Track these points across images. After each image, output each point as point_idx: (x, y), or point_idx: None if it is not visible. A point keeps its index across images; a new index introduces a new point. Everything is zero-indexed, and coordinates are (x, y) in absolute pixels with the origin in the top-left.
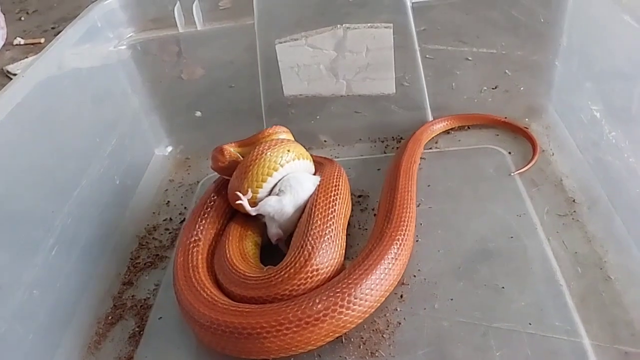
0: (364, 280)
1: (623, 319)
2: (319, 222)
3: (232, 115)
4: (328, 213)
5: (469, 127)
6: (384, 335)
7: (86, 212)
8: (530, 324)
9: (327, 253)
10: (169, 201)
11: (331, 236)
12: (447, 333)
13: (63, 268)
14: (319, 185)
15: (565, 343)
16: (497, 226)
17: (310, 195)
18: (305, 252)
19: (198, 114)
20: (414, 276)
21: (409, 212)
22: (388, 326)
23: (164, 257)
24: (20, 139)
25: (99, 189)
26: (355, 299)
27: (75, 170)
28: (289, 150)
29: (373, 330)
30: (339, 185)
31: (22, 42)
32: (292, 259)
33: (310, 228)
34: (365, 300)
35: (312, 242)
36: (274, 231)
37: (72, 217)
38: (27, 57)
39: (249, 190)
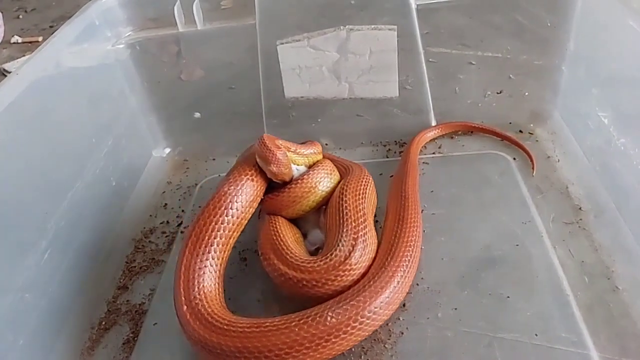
0: (378, 296)
1: (631, 330)
2: (353, 215)
3: (232, 117)
4: (359, 203)
5: (472, 132)
6: (386, 345)
7: (81, 214)
8: (536, 334)
9: (368, 246)
10: (166, 204)
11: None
12: (450, 343)
13: (56, 271)
14: (347, 183)
15: (572, 355)
16: (502, 233)
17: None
18: (350, 239)
19: (197, 115)
20: (417, 284)
21: (417, 225)
22: (390, 336)
23: (161, 261)
24: (13, 139)
25: (95, 191)
26: (370, 312)
27: (70, 171)
28: (334, 181)
29: (374, 339)
30: (367, 179)
31: (20, 40)
32: (337, 246)
33: (346, 222)
34: (378, 315)
35: (353, 236)
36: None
37: (66, 219)
38: (24, 56)
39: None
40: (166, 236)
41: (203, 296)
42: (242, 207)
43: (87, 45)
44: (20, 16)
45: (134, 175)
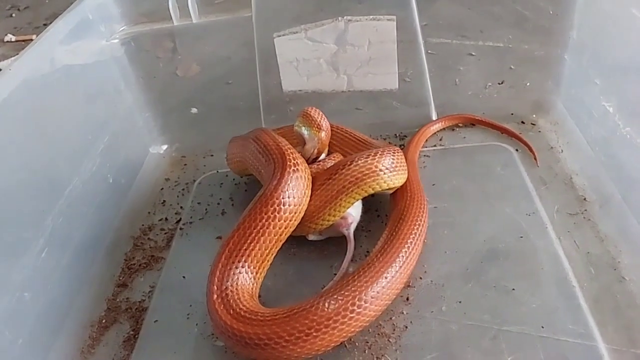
0: (378, 280)
1: (639, 321)
2: None
3: (229, 113)
4: None
5: (474, 124)
6: (390, 339)
7: (78, 212)
8: (542, 327)
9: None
10: (164, 200)
11: None
12: (455, 337)
13: (54, 270)
14: None
15: (579, 347)
16: (505, 226)
17: None
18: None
19: (194, 111)
20: (420, 278)
21: (423, 214)
22: (394, 330)
23: (160, 258)
24: (7, 136)
25: (92, 188)
26: (372, 297)
27: (66, 168)
28: None
29: (378, 334)
30: None
31: (13, 38)
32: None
33: None
34: (380, 299)
35: None
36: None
37: (63, 217)
38: (18, 54)
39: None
40: (165, 233)
41: (235, 290)
42: (296, 201)
43: (81, 40)
44: (13, 14)
45: (131, 172)
